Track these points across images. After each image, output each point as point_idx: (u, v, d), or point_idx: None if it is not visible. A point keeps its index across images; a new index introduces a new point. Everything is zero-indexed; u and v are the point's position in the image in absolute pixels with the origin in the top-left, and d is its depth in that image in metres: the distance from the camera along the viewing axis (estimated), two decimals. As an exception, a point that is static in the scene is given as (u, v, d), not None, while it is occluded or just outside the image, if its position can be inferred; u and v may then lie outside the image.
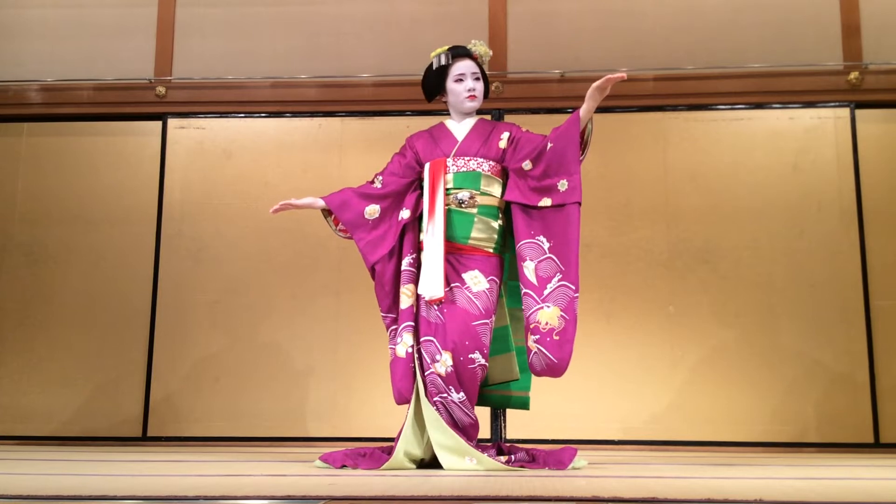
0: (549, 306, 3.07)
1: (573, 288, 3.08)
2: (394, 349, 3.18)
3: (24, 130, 5.23)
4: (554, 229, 3.13)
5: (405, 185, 3.31)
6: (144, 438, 4.82)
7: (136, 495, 2.08)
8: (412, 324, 3.16)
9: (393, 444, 3.12)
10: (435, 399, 3.04)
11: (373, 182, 3.35)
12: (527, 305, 3.12)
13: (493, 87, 4.97)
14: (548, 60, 5.04)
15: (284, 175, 5.04)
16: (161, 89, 5.14)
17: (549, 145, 3.16)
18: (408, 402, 3.12)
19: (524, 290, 3.13)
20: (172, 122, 5.15)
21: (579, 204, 3.13)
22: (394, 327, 3.22)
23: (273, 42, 5.21)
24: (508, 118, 4.94)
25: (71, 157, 5.18)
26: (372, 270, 3.27)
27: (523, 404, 3.41)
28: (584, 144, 3.18)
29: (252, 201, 5.03)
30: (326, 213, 3.36)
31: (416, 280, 3.19)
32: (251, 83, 5.13)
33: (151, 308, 4.96)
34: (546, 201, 3.15)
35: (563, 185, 3.14)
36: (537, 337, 3.06)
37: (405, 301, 3.18)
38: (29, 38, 5.31)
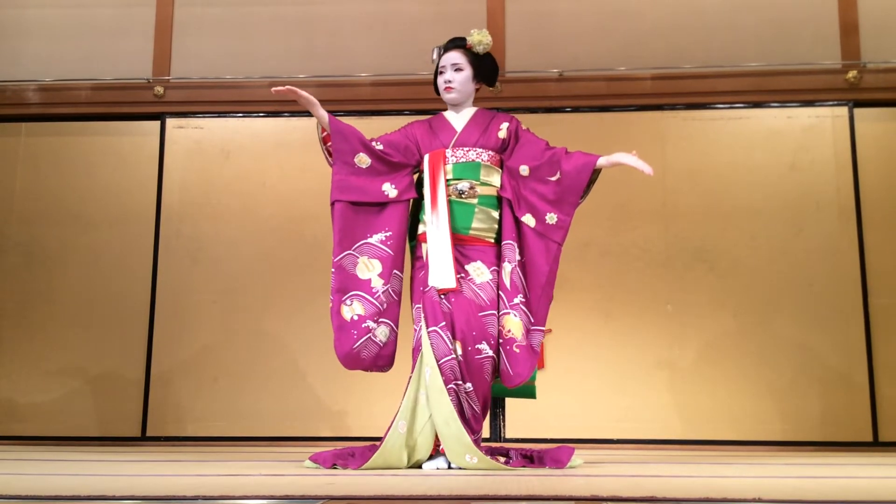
0: (515, 315, 3.11)
1: (532, 320, 3.12)
2: (339, 305, 3.12)
3: (22, 130, 5.23)
4: (528, 250, 3.17)
5: (401, 163, 3.28)
6: (143, 438, 4.83)
7: (135, 495, 2.08)
8: (366, 297, 3.12)
9: (380, 443, 3.11)
10: (450, 386, 3.02)
11: (372, 142, 3.29)
12: (500, 307, 3.16)
13: (496, 86, 4.96)
14: (546, 60, 5.05)
15: (283, 175, 5.04)
16: (159, 89, 5.14)
17: (558, 175, 3.18)
18: (348, 367, 3.13)
19: (499, 291, 3.16)
20: (171, 122, 5.14)
21: (560, 246, 3.16)
22: (333, 270, 3.14)
23: (271, 42, 5.21)
24: (507, 117, 4.94)
25: (69, 157, 5.18)
26: (332, 204, 3.21)
27: (529, 393, 3.39)
28: (586, 191, 3.22)
29: (250, 201, 5.03)
30: (321, 127, 3.30)
31: (384, 258, 3.16)
32: (249, 83, 5.13)
33: (150, 308, 4.96)
34: (529, 220, 3.19)
35: (551, 217, 3.18)
36: (502, 341, 3.11)
37: (364, 272, 3.16)
38: (27, 37, 5.30)
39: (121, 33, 5.26)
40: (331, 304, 3.15)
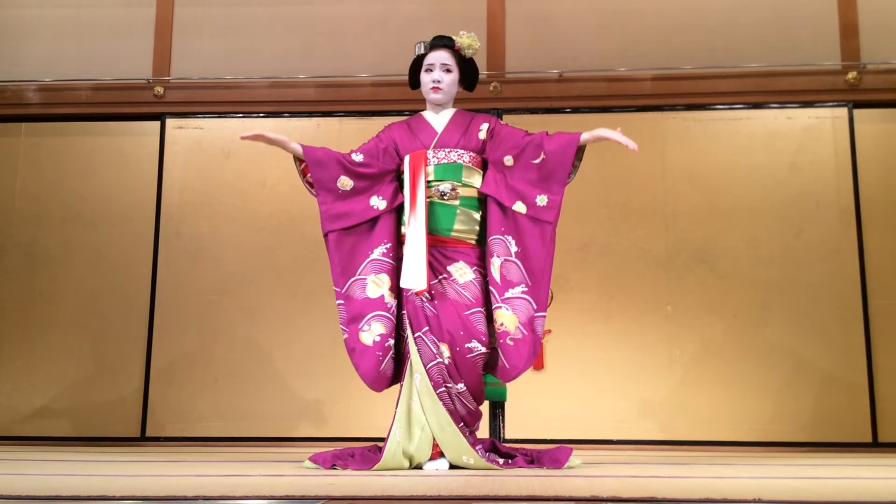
0: (507, 309, 3.08)
1: (535, 307, 3.09)
2: (356, 334, 3.12)
3: (22, 130, 5.23)
4: (524, 238, 3.14)
5: (382, 172, 3.25)
6: (143, 438, 4.83)
7: (135, 495, 2.08)
8: (384, 314, 3.12)
9: (381, 443, 3.10)
10: (440, 390, 3.02)
11: (350, 154, 3.27)
12: (489, 302, 3.14)
13: (490, 88, 4.97)
14: (546, 60, 5.05)
15: (282, 175, 5.03)
16: (159, 89, 5.14)
17: (542, 157, 3.16)
18: (378, 389, 3.14)
19: (490, 286, 3.14)
20: (171, 122, 5.15)
21: (554, 226, 3.14)
22: (341, 302, 3.16)
23: (271, 42, 5.21)
24: (507, 118, 4.94)
25: (69, 157, 5.18)
26: (325, 236, 3.21)
27: (500, 395, 3.41)
28: (573, 170, 3.20)
29: (250, 201, 5.03)
30: (299, 159, 3.29)
31: (390, 271, 3.16)
32: (249, 83, 5.13)
33: (150, 308, 4.96)
34: (520, 207, 3.15)
35: (541, 199, 3.15)
36: (495, 335, 3.09)
37: (375, 290, 3.15)
38: (27, 38, 5.30)
39: (121, 33, 5.26)
40: (345, 336, 3.14)
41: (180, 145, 5.13)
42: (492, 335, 3.16)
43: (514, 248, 3.13)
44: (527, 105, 5.00)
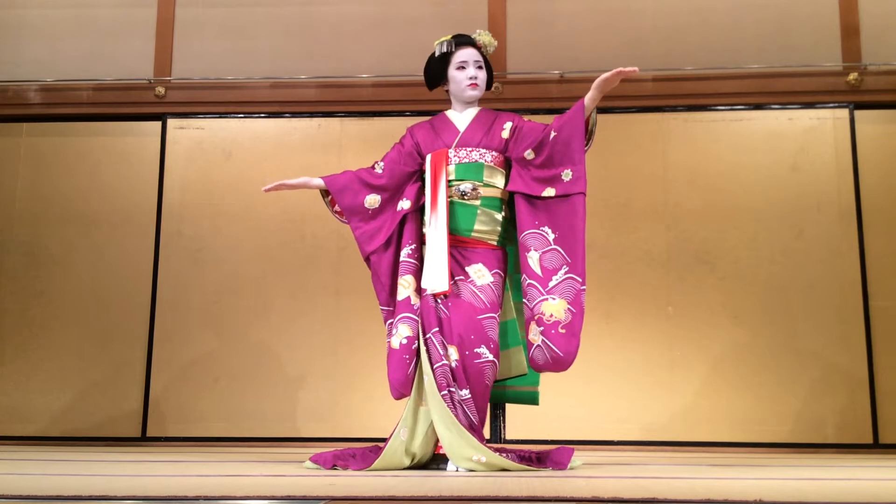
0: (554, 298, 3.01)
1: (580, 280, 3.02)
2: (391, 339, 3.13)
3: (23, 131, 5.23)
4: (559, 220, 3.08)
5: (406, 176, 3.26)
6: (144, 438, 4.83)
7: (136, 495, 2.08)
8: (410, 315, 3.10)
9: (382, 444, 3.10)
10: (443, 392, 2.98)
11: (373, 167, 3.30)
12: (531, 296, 3.06)
13: (492, 88, 4.96)
14: (547, 61, 5.05)
15: (283, 175, 4.92)
16: (160, 89, 5.14)
17: (553, 134, 3.12)
18: (402, 395, 3.09)
19: (528, 281, 3.07)
20: (172, 123, 5.15)
21: (584, 194, 3.08)
22: (391, 320, 3.17)
23: (272, 42, 5.22)
24: (508, 119, 4.94)
25: (70, 157, 5.18)
26: (367, 260, 3.24)
27: (532, 399, 3.36)
28: (588, 134, 3.14)
29: (251, 201, 5.03)
30: (324, 192, 3.32)
31: (415, 271, 3.15)
32: (250, 83, 5.13)
33: (151, 308, 4.96)
34: (550, 191, 3.10)
35: (567, 174, 3.10)
36: (542, 329, 3.00)
37: (402, 292, 3.13)
38: (28, 38, 5.31)
39: (122, 33, 5.26)
40: (388, 351, 3.14)
41: (181, 145, 5.14)
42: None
43: (551, 236, 3.07)
44: (528, 106, 4.99)
